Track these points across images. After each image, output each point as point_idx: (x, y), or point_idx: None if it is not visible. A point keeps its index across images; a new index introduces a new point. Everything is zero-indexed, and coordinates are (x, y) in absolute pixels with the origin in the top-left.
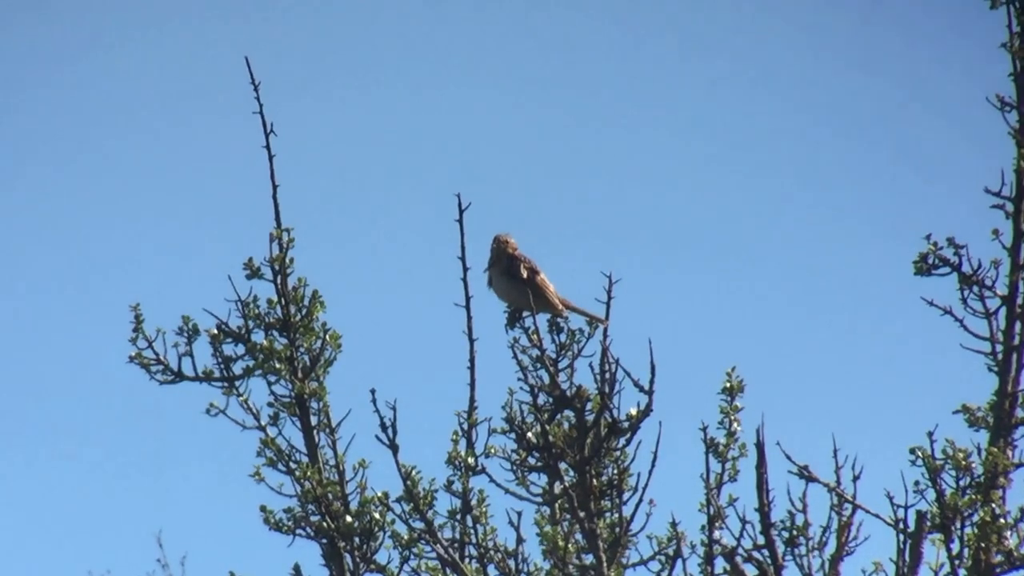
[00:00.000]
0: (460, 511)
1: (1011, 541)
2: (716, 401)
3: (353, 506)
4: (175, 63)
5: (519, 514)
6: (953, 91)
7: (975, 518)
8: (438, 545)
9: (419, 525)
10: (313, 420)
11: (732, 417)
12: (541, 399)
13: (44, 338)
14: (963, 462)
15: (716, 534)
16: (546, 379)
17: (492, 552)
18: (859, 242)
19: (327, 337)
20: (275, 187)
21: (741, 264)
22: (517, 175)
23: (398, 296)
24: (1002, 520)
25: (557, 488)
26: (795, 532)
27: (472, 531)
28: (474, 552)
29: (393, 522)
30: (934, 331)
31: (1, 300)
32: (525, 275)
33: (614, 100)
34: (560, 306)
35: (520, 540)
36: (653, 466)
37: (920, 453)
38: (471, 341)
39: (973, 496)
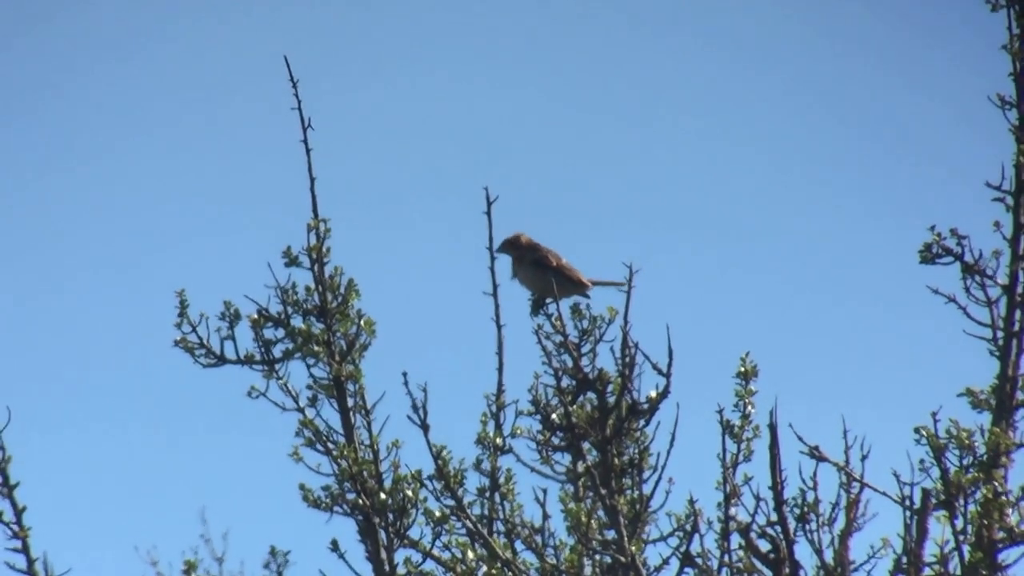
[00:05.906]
0: (489, 489)
1: (1012, 518)
2: (731, 384)
3: (387, 484)
4: (217, 57)
5: (544, 491)
6: (957, 91)
7: (978, 496)
8: (468, 521)
9: (450, 502)
10: (349, 402)
11: (747, 400)
12: (565, 382)
13: (94, 323)
14: (966, 442)
15: (732, 511)
16: (569, 363)
17: (519, 528)
18: (867, 233)
19: (362, 323)
20: (312, 180)
21: (755, 253)
22: (541, 165)
23: (429, 284)
24: (1004, 498)
25: (580, 467)
26: (806, 509)
27: (500, 508)
28: (502, 528)
29: (425, 499)
30: (938, 318)
31: (58, 284)
32: (554, 263)
33: (632, 90)
34: (588, 284)
35: (546, 516)
36: (671, 446)
37: (925, 433)
38: (499, 327)
39: (976, 474)
